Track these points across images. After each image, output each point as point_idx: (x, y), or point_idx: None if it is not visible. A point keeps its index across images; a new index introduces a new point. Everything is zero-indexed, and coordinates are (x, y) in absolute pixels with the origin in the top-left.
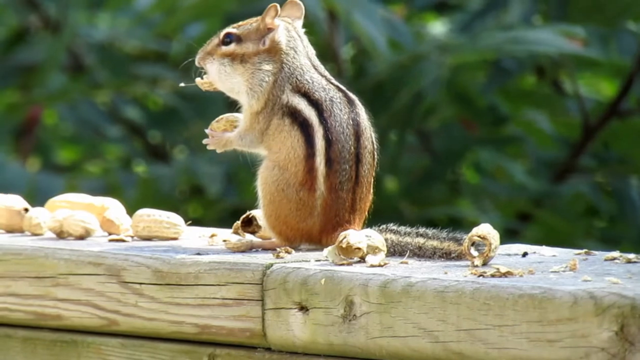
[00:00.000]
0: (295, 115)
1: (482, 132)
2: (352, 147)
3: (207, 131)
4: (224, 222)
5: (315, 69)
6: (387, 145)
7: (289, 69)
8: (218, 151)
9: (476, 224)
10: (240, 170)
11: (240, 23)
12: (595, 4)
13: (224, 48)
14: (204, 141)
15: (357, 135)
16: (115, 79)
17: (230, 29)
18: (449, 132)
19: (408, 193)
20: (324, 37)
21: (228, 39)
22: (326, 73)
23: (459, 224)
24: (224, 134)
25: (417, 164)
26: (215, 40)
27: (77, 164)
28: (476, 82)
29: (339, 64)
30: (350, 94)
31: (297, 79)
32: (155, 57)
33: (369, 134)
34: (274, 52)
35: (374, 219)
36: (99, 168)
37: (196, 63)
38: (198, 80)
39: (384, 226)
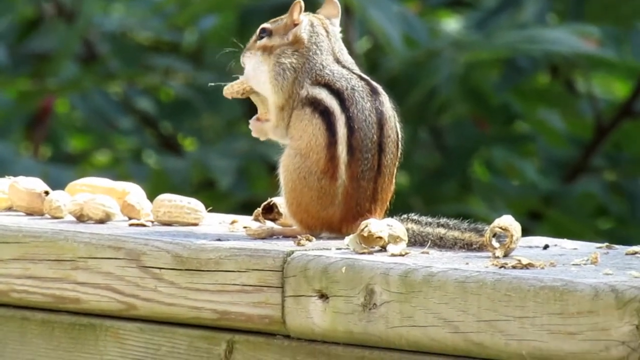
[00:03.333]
0: (315, 104)
1: (494, 130)
2: (375, 136)
3: (250, 121)
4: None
5: (339, 63)
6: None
7: (309, 64)
8: (262, 139)
9: (487, 222)
10: (251, 164)
11: (275, 19)
12: (610, 4)
13: (259, 42)
14: (250, 126)
15: (380, 123)
16: (128, 69)
17: (265, 24)
18: (461, 129)
19: (419, 189)
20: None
21: (263, 34)
22: (351, 65)
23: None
24: (262, 124)
25: (429, 160)
26: (253, 37)
27: (87, 153)
28: (489, 80)
29: (353, 58)
30: (374, 83)
31: (316, 73)
32: (168, 48)
33: (393, 123)
34: (296, 45)
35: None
36: (110, 158)
37: (241, 62)
38: (226, 88)
39: (406, 216)
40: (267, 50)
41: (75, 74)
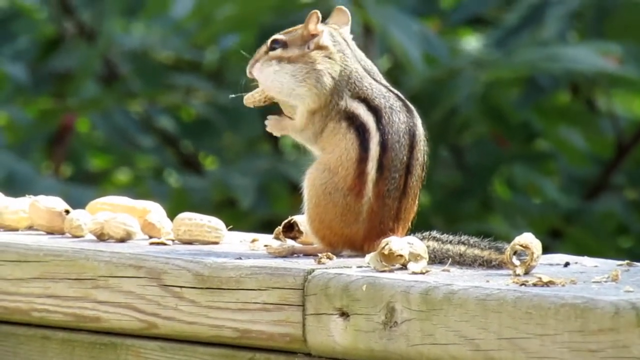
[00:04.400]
0: (352, 119)
1: (515, 148)
2: (405, 157)
3: (268, 117)
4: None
5: (370, 75)
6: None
7: (344, 72)
8: (276, 134)
9: (508, 240)
10: (271, 182)
11: (286, 30)
12: (632, 21)
13: (271, 53)
14: (266, 121)
15: (412, 146)
16: (149, 88)
17: (277, 36)
18: (481, 147)
19: (440, 208)
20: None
21: (276, 45)
22: (381, 79)
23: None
24: (284, 119)
25: (450, 179)
26: (263, 48)
27: (108, 172)
28: (510, 98)
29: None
30: (410, 104)
31: (355, 84)
32: (188, 67)
33: (422, 146)
34: (325, 52)
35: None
36: (130, 177)
37: (247, 73)
38: (246, 97)
39: (427, 233)
40: (284, 60)
41: (96, 93)
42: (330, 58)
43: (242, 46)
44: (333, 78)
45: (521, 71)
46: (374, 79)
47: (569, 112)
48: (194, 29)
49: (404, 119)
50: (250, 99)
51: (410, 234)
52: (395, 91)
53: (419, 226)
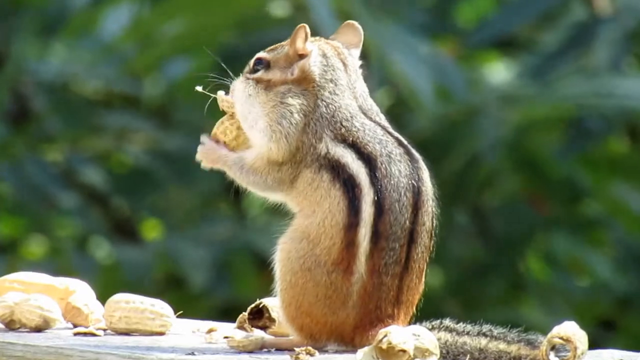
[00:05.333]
0: (337, 170)
1: (556, 212)
2: (407, 222)
3: (202, 138)
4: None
5: (365, 114)
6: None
7: (327, 108)
8: (205, 165)
9: (543, 332)
10: (233, 255)
11: (274, 46)
12: None
13: (253, 75)
14: (199, 146)
15: (416, 206)
16: (71, 130)
17: (261, 54)
18: (511, 210)
19: (456, 289)
20: None
21: (258, 66)
22: (381, 119)
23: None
24: (220, 148)
25: (469, 251)
26: (246, 68)
27: (19, 241)
28: (549, 146)
29: None
30: (414, 151)
31: (341, 124)
32: (123, 103)
33: (430, 207)
34: (305, 83)
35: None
36: (47, 247)
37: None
38: (221, 95)
39: (437, 322)
40: (262, 83)
41: (4, 136)
42: (310, 92)
43: (196, 75)
44: (307, 119)
45: (563, 110)
46: (370, 119)
47: (626, 164)
48: (130, 52)
49: (405, 171)
50: (222, 102)
51: (415, 323)
52: (396, 134)
53: (427, 312)
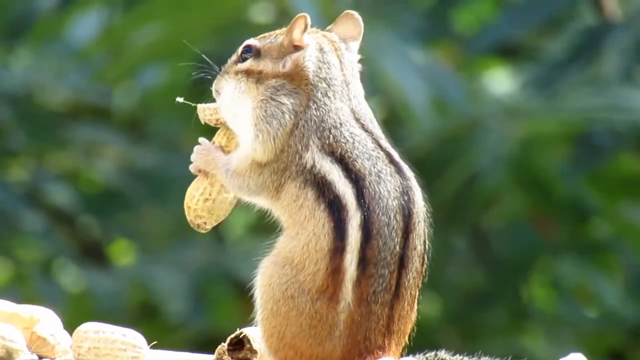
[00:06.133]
0: (323, 189)
1: (562, 235)
2: (397, 247)
3: (200, 139)
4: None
5: (358, 121)
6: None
7: (318, 111)
8: (195, 166)
9: None
10: (211, 281)
11: (266, 34)
12: None
13: (240, 65)
14: (195, 147)
15: (407, 230)
16: (36, 144)
17: (251, 40)
18: (514, 233)
19: (453, 318)
20: None
21: (247, 54)
22: (374, 127)
23: None
24: (216, 152)
25: (467, 278)
26: (233, 57)
27: None
28: (555, 163)
29: None
30: (406, 169)
31: (329, 132)
32: (93, 115)
33: (422, 230)
34: (297, 79)
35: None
36: (10, 272)
37: (212, 88)
38: (200, 107)
39: (432, 353)
40: (252, 75)
41: None
42: (303, 90)
43: (171, 83)
44: (296, 120)
45: (570, 124)
46: (362, 126)
47: (637, 182)
48: (100, 60)
49: (396, 191)
50: (202, 113)
51: (408, 355)
52: (388, 148)
53: (421, 343)
